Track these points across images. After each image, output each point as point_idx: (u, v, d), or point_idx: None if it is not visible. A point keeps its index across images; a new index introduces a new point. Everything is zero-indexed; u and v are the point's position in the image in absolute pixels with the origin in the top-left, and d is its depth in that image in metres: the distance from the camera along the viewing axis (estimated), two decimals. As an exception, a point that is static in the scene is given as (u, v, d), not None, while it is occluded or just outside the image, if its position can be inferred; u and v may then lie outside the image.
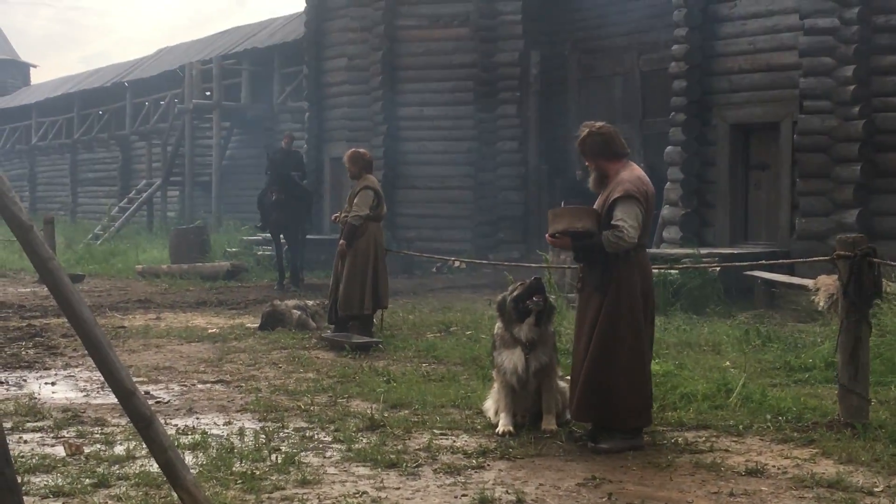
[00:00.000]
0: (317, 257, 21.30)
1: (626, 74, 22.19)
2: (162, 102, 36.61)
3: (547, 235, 7.75)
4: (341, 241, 12.83)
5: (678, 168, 18.53)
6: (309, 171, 22.86)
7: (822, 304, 13.23)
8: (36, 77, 63.33)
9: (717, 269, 14.83)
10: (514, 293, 8.08)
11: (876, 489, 6.36)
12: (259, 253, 23.18)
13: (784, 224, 17.30)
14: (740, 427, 7.96)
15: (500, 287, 8.88)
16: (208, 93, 32.73)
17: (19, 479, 3.51)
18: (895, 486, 6.43)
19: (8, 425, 8.04)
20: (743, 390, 8.91)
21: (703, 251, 16.39)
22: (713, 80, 18.37)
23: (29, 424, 8.18)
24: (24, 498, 3.55)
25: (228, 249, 24.28)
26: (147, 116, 37.87)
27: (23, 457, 7.00)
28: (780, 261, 14.91)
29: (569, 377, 7.99)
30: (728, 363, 10.61)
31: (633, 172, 7.61)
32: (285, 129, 29.83)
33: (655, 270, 14.70)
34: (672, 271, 14.71)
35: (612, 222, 7.38)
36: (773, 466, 6.93)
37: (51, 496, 6.22)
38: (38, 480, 6.53)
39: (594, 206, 7.67)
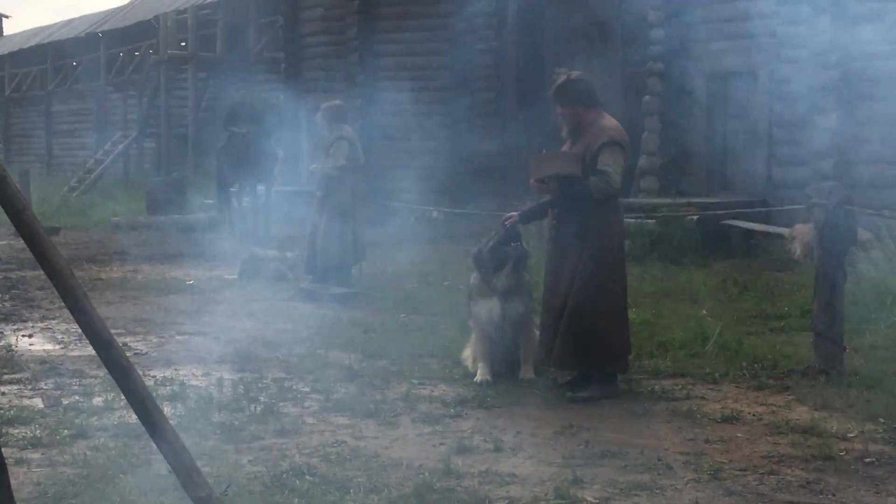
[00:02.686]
0: (294, 209, 21.27)
1: (604, 23, 22.06)
2: (137, 53, 36.29)
3: (532, 181, 7.73)
4: (318, 193, 12.79)
5: (656, 118, 18.51)
6: (285, 122, 22.76)
7: (798, 252, 13.29)
8: (9, 28, 62.78)
9: (695, 218, 14.89)
10: (491, 242, 8.08)
11: (850, 435, 6.43)
12: (236, 205, 23.11)
13: (761, 173, 17.32)
14: (716, 375, 8.02)
15: (478, 237, 8.87)
16: (183, 43, 32.45)
17: (-3, 431, 3.51)
18: (869, 431, 6.50)
19: (-15, 378, 8.03)
20: (719, 338, 8.97)
21: (681, 200, 16.42)
22: (691, 29, 18.31)
23: (6, 376, 8.17)
24: (3, 449, 3.55)
25: (205, 201, 24.18)
26: (122, 67, 37.53)
27: (1, 408, 7.00)
28: (757, 209, 14.95)
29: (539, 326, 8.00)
30: (705, 312, 10.67)
31: (612, 121, 7.63)
32: (262, 79, 29.70)
33: (633, 220, 14.79)
34: (649, 221, 14.74)
35: (599, 167, 7.38)
36: (749, 413, 6.99)
37: (29, 447, 6.23)
38: (17, 432, 6.53)
39: (570, 151, 7.66)
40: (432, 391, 7.70)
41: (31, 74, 44.57)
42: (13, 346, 9.40)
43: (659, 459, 5.96)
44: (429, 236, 18.99)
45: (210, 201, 23.93)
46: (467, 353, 8.31)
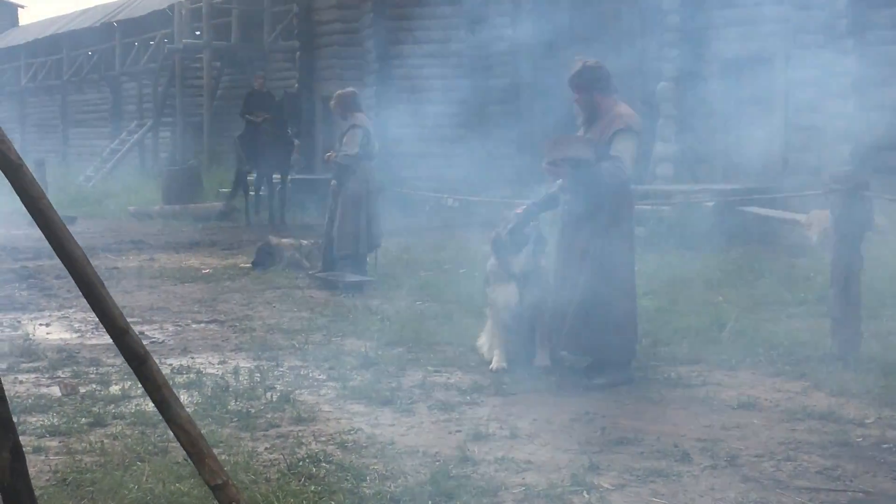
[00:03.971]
0: (309, 197, 21.31)
1: (619, 10, 21.97)
2: (151, 42, 36.32)
3: (545, 163, 7.73)
4: (333, 181, 12.80)
5: (671, 104, 18.45)
6: (300, 110, 22.79)
7: (814, 238, 13.24)
8: (24, 18, 62.86)
9: (710, 204, 14.84)
10: (510, 225, 8.05)
11: (867, 421, 6.41)
12: (252, 193, 23.17)
13: (777, 159, 17.26)
14: (733, 361, 8.01)
15: (493, 225, 8.86)
16: (198, 32, 32.46)
17: (15, 419, 3.52)
18: (886, 417, 6.48)
19: (3, 366, 8.07)
20: (735, 325, 8.96)
21: (696, 187, 16.37)
22: (706, 15, 18.23)
23: (24, 365, 8.21)
24: (21, 437, 3.56)
25: (221, 190, 24.22)
26: (137, 57, 37.57)
27: (19, 397, 7.03)
28: (773, 195, 14.90)
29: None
30: (721, 298, 10.64)
31: (627, 108, 7.66)
32: (277, 68, 29.71)
33: (649, 206, 14.76)
34: (665, 207, 14.71)
35: (612, 153, 7.39)
36: (766, 399, 6.97)
37: (47, 435, 6.26)
38: (35, 420, 6.57)
39: (583, 136, 7.67)
40: (448, 378, 7.71)
41: (46, 64, 44.64)
42: (31, 335, 9.44)
43: (675, 446, 5.95)
44: (444, 224, 18.99)
45: (225, 190, 23.99)
46: (483, 341, 8.32)
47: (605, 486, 5.32)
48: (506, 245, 8.03)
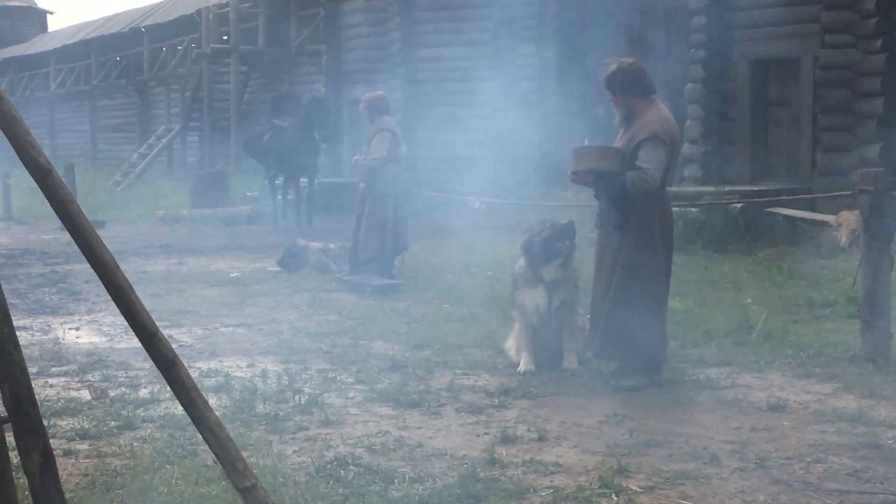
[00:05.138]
0: (336, 200, 21.35)
1: (646, 11, 21.94)
2: (179, 48, 36.50)
3: (570, 173, 7.70)
4: (360, 184, 12.82)
5: (698, 105, 18.40)
6: (327, 114, 22.82)
7: (843, 239, 13.18)
8: (53, 24, 63.32)
9: (739, 206, 14.78)
10: (544, 234, 8.02)
11: (898, 423, 6.37)
12: (279, 197, 23.24)
13: (805, 160, 17.18)
14: (762, 363, 7.97)
15: (519, 227, 8.85)
16: (225, 37, 32.60)
17: (45, 423, 3.54)
18: (917, 419, 6.43)
19: (34, 370, 8.11)
20: (764, 326, 8.91)
21: (724, 188, 16.31)
22: (733, 16, 18.17)
23: (54, 369, 8.25)
24: (51, 441, 3.58)
25: (248, 194, 24.30)
26: (165, 62, 37.77)
27: (49, 400, 7.07)
28: (802, 196, 14.83)
29: (589, 316, 7.99)
30: (749, 300, 10.60)
31: (660, 112, 7.53)
32: (303, 72, 29.80)
33: (676, 208, 14.70)
34: (693, 209, 14.66)
35: (637, 163, 7.32)
36: (795, 401, 6.94)
37: (77, 438, 6.29)
38: (65, 423, 6.60)
39: (617, 145, 7.63)
40: (476, 381, 7.70)
41: (75, 70, 44.94)
42: (60, 339, 9.50)
43: (704, 448, 5.93)
44: (471, 226, 18.97)
45: (252, 194, 24.05)
46: (510, 343, 8.31)
47: (634, 488, 5.30)
48: (538, 252, 8.00)
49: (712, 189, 16.14)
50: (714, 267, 12.93)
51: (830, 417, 6.52)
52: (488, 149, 23.60)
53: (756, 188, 16.69)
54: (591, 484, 5.34)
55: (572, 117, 22.88)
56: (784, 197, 14.68)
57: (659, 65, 21.22)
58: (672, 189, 15.24)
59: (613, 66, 7.58)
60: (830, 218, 13.98)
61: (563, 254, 7.96)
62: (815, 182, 16.23)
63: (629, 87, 7.52)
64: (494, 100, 23.53)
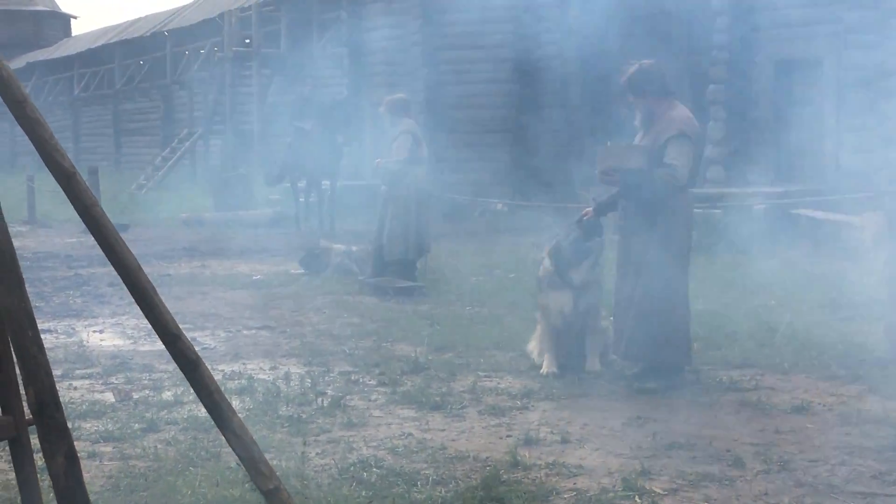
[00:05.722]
0: (358, 203, 21.37)
1: (669, 12, 21.87)
2: (202, 51, 36.62)
3: (598, 172, 7.69)
4: (383, 187, 12.83)
5: (721, 107, 18.34)
6: (349, 116, 22.86)
7: (869, 240, 13.10)
8: (77, 28, 63.61)
9: (762, 207, 14.73)
10: (572, 236, 8.00)
11: (923, 425, 6.34)
12: (301, 200, 23.29)
13: (829, 161, 17.11)
14: (786, 365, 7.94)
15: (542, 229, 8.85)
16: (248, 40, 32.69)
17: (70, 425, 3.56)
18: (943, 421, 6.39)
19: (58, 372, 8.14)
20: (788, 328, 8.87)
21: (747, 190, 16.26)
22: (757, 17, 18.11)
23: (78, 372, 8.28)
24: (76, 443, 3.60)
25: (271, 197, 24.35)
26: (187, 65, 37.91)
27: (73, 403, 7.10)
28: (826, 198, 14.77)
29: (612, 318, 7.98)
30: (773, 301, 10.56)
31: (683, 111, 7.54)
32: (326, 75, 29.84)
33: (700, 210, 14.68)
34: (716, 210, 14.61)
35: (666, 160, 7.32)
36: (819, 403, 6.90)
37: (101, 441, 6.31)
38: (89, 426, 6.63)
39: (636, 144, 7.62)
40: (498, 383, 7.70)
41: (98, 74, 45.18)
42: (84, 342, 9.54)
43: (728, 451, 5.91)
44: (493, 229, 18.97)
45: (275, 197, 24.11)
46: (533, 345, 8.30)
47: (657, 490, 5.29)
48: (568, 255, 7.98)
49: (735, 190, 16.09)
50: (737, 269, 12.89)
51: (855, 420, 6.49)
52: (511, 150, 23.61)
53: (779, 189, 16.62)
54: (614, 486, 5.33)
55: (595, 117, 22.84)
56: (808, 198, 14.62)
57: (681, 65, 21.17)
58: (695, 190, 15.22)
59: (633, 68, 7.58)
60: (855, 219, 13.90)
61: (594, 252, 7.94)
62: (839, 183, 16.16)
63: (650, 88, 7.52)
64: (516, 101, 23.54)
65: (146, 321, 3.62)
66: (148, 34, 40.85)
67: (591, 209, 8.01)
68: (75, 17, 64.39)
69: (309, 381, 7.72)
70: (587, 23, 23.17)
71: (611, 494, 5.22)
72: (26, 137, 3.47)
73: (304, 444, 6.15)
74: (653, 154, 7.38)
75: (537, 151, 23.30)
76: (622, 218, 7.73)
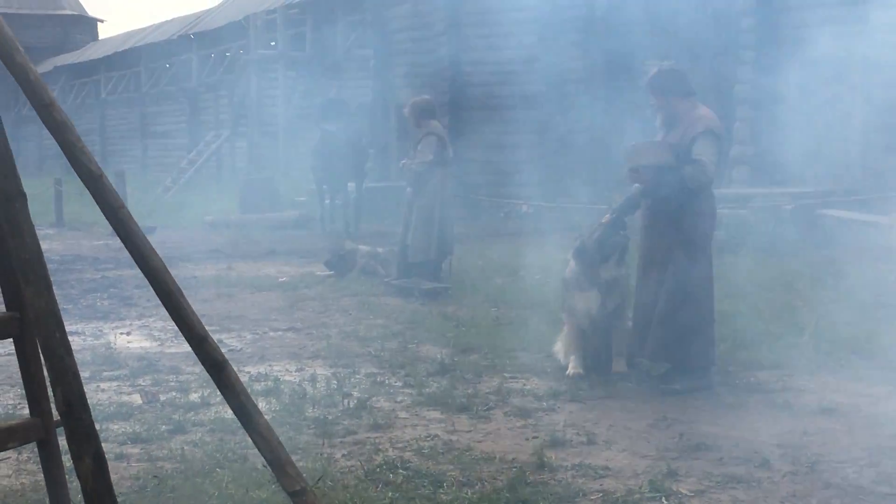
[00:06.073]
0: (384, 205, 21.40)
1: (694, 12, 21.79)
2: (227, 54, 36.75)
3: (627, 170, 7.71)
4: (408, 189, 12.84)
5: (747, 106, 18.27)
6: (375, 119, 22.89)
7: (896, 240, 13.03)
8: (103, 32, 63.94)
9: (789, 207, 14.66)
10: (597, 234, 8.00)
11: (953, 426, 6.29)
12: (327, 202, 23.33)
13: (856, 160, 17.01)
14: (813, 366, 7.90)
15: (568, 231, 8.84)
16: (273, 43, 32.78)
17: (97, 427, 3.57)
18: (973, 422, 6.35)
19: (86, 374, 8.19)
20: (816, 329, 8.82)
21: (774, 190, 16.19)
22: (783, 16, 18.03)
23: (106, 373, 8.33)
24: (103, 444, 3.62)
25: (297, 199, 24.41)
26: (213, 68, 38.04)
27: (101, 405, 7.13)
28: (853, 197, 14.69)
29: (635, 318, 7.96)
30: (800, 302, 10.50)
31: (706, 110, 7.61)
32: (350, 77, 29.90)
33: (727, 210, 14.63)
34: (743, 211, 14.55)
35: (694, 157, 7.35)
36: (847, 404, 6.87)
37: (129, 442, 6.34)
38: (117, 427, 6.66)
39: (664, 141, 7.63)
40: (524, 385, 7.69)
41: (125, 77, 45.40)
42: (112, 344, 9.59)
43: (755, 452, 5.88)
44: (518, 230, 18.95)
45: (301, 198, 24.16)
46: (559, 347, 8.28)
47: (684, 492, 5.27)
48: (593, 252, 7.97)
49: (762, 190, 16.02)
50: (764, 269, 12.82)
51: (884, 420, 6.45)
52: (535, 152, 23.56)
53: (806, 189, 16.53)
54: (640, 488, 5.31)
55: (621, 118, 22.75)
56: (835, 198, 14.54)
57: (706, 66, 21.10)
58: (722, 191, 15.18)
59: (655, 69, 7.66)
60: (882, 219, 13.83)
61: (620, 245, 7.93)
62: (866, 183, 16.06)
63: (672, 89, 7.57)
64: (542, 103, 23.49)
65: (173, 323, 3.63)
66: (174, 38, 41.01)
67: (608, 216, 8.02)
68: (102, 21, 64.81)
69: (335, 382, 7.74)
70: (612, 24, 23.14)
71: (637, 496, 5.21)
72: (54, 141, 3.49)
73: (330, 445, 6.16)
74: (680, 151, 7.40)
75: (564, 153, 23.24)
76: (646, 218, 7.73)
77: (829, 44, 17.27)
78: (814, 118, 17.90)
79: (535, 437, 6.30)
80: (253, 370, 8.30)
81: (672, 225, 7.46)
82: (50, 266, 3.52)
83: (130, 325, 10.79)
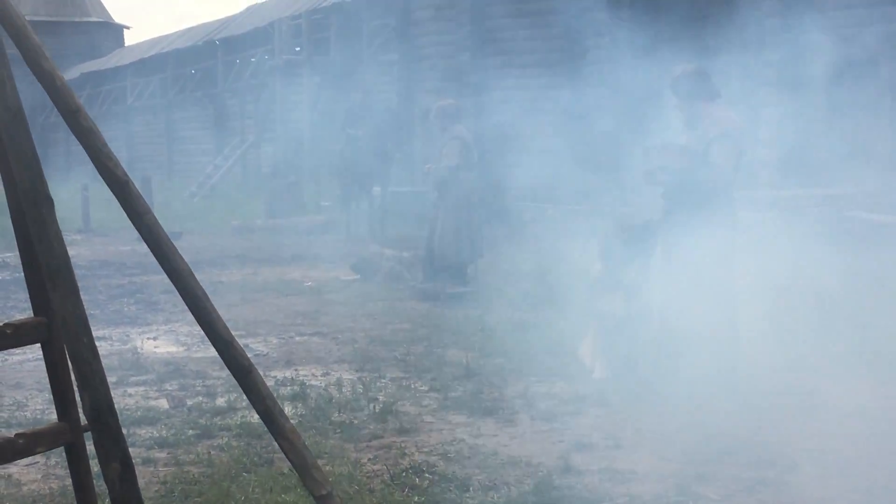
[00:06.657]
0: (409, 209, 21.40)
1: (719, 13, 21.72)
2: (252, 59, 36.85)
3: (643, 172, 7.68)
4: (433, 193, 12.84)
5: (773, 108, 18.19)
6: (400, 123, 22.90)
7: (927, 242, 12.93)
8: (129, 39, 64.24)
9: (816, 209, 14.58)
10: (624, 236, 7.99)
11: (983, 429, 6.24)
12: (353, 206, 23.34)
13: (885, 162, 16.90)
14: (840, 369, 7.84)
15: (593, 233, 8.81)
16: (298, 48, 32.86)
17: (125, 431, 3.58)
18: None
19: (113, 379, 8.21)
20: (844, 332, 8.77)
21: (802, 192, 16.10)
22: (808, 18, 17.93)
23: (133, 378, 8.36)
24: (130, 449, 3.63)
25: (322, 203, 24.44)
26: (238, 74, 38.16)
27: (128, 409, 7.16)
28: (882, 199, 14.59)
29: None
30: (828, 304, 10.43)
31: (726, 112, 7.57)
32: (375, 81, 29.92)
33: (753, 213, 14.54)
34: (770, 212, 14.47)
35: (711, 160, 7.32)
36: (876, 407, 6.82)
37: (156, 447, 6.36)
38: (143, 432, 6.68)
39: (680, 144, 7.61)
40: (550, 388, 7.68)
41: (151, 83, 45.58)
42: (139, 349, 9.62)
43: (783, 455, 5.85)
44: (544, 234, 18.90)
45: (326, 203, 24.19)
46: (585, 350, 8.26)
47: (712, 496, 5.24)
48: (618, 257, 7.95)
49: (790, 192, 15.93)
50: (790, 272, 12.74)
51: (913, 424, 6.41)
52: (561, 155, 23.50)
53: (835, 191, 16.43)
54: (667, 492, 5.29)
55: (645, 120, 22.65)
56: (863, 200, 14.45)
57: (731, 67, 20.99)
58: (749, 193, 15.10)
59: (678, 71, 7.61)
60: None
61: (645, 252, 7.91)
62: (895, 184, 15.95)
63: (694, 91, 7.53)
64: (566, 106, 23.43)
65: (199, 328, 3.64)
66: (200, 43, 41.15)
67: (644, 219, 8.01)
68: (128, 28, 65.04)
69: (361, 386, 7.75)
70: (637, 26, 23.07)
71: (664, 500, 5.19)
72: (81, 147, 3.50)
73: (356, 449, 6.16)
74: (697, 154, 7.37)
75: (588, 155, 23.17)
76: (665, 220, 7.70)
77: (856, 45, 17.18)
78: (840, 120, 17.80)
79: (561, 441, 6.29)
80: (279, 374, 8.32)
81: (688, 230, 7.43)
82: (77, 271, 3.53)
83: (157, 329, 10.83)
